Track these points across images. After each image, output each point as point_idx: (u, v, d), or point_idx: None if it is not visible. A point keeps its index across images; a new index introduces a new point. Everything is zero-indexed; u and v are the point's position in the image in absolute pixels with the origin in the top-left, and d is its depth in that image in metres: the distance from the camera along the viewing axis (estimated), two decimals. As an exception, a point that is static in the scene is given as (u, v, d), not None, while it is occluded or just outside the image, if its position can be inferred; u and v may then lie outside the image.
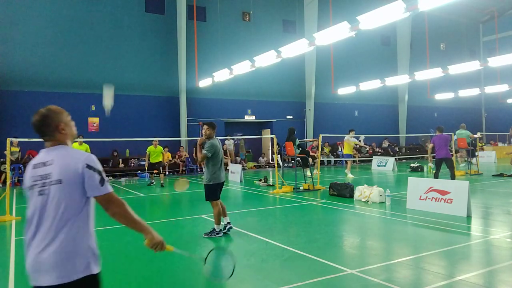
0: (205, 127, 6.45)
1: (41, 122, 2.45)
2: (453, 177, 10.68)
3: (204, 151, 6.28)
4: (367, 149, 21.70)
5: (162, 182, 14.00)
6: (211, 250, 2.88)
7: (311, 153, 15.07)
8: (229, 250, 2.83)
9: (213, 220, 6.51)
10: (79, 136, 12.88)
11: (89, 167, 2.23)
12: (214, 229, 6.36)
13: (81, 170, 2.20)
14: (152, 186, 13.81)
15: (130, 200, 11.15)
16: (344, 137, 16.07)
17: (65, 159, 2.24)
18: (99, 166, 2.28)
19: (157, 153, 14.07)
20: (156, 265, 5.00)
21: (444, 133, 11.16)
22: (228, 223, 6.49)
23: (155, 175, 14.28)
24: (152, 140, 14.09)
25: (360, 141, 17.63)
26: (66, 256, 2.10)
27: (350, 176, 15.25)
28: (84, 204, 2.22)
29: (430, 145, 11.68)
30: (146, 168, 14.70)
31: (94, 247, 2.24)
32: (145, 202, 10.90)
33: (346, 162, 16.83)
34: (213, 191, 6.33)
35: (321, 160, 16.12)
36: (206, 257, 2.83)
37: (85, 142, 16.92)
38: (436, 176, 10.67)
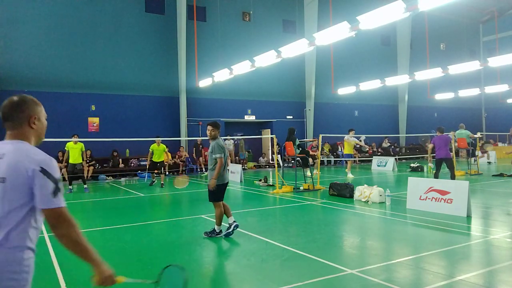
0: (209, 127, 6.21)
1: (14, 105, 2.01)
2: (453, 177, 10.69)
3: (217, 155, 6.03)
4: (367, 149, 21.72)
5: (162, 182, 13.99)
6: (162, 270, 2.53)
7: (311, 153, 15.10)
8: (180, 265, 2.46)
9: (214, 220, 6.44)
10: (74, 136, 12.78)
11: (43, 171, 1.87)
12: (215, 229, 6.27)
13: (32, 173, 1.85)
14: (153, 186, 13.79)
15: (130, 200, 11.16)
16: (344, 137, 16.10)
17: (18, 156, 1.88)
18: (56, 174, 1.92)
19: (160, 151, 13.98)
20: (156, 265, 5.00)
21: (444, 134, 11.16)
22: (234, 221, 6.32)
23: (156, 175, 14.24)
24: (155, 139, 14.01)
25: (360, 141, 17.64)
26: None
27: (350, 176, 15.26)
28: (24, 214, 1.87)
29: (430, 146, 11.68)
30: (148, 167, 14.64)
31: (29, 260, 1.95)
32: (145, 202, 10.90)
33: (346, 162, 16.85)
34: (219, 192, 6.18)
35: (321, 160, 16.12)
36: (158, 279, 2.51)
37: (85, 142, 16.94)
38: (436, 176, 10.67)
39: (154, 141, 14.14)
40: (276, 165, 12.30)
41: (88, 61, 18.18)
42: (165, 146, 14.42)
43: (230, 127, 22.31)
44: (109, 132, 17.78)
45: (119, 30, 18.91)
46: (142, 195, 12.05)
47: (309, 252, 5.27)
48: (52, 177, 1.89)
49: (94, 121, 18.25)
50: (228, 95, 21.48)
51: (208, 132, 6.23)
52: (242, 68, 15.45)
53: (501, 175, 14.53)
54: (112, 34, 18.74)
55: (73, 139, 12.68)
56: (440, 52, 29.76)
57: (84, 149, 13.01)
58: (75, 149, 12.67)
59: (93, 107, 18.30)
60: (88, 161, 17.14)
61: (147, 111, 19.50)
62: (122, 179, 16.95)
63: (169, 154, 18.33)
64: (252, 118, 22.34)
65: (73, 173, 12.86)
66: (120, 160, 18.11)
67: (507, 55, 14.98)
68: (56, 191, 1.89)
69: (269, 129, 22.80)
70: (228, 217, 6.36)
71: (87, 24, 18.16)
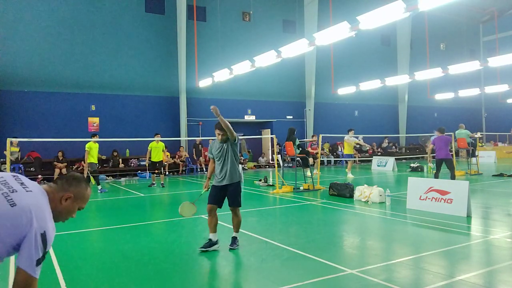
0: (217, 131, 5.55)
1: (76, 178, 2.19)
2: (453, 177, 10.69)
3: (244, 152, 5.85)
4: (368, 148, 21.64)
5: (162, 182, 13.97)
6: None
7: (310, 150, 15.11)
8: None
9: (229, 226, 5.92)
10: (94, 136, 13.08)
11: (43, 236, 1.88)
12: (237, 238, 5.67)
13: (35, 227, 1.85)
14: (153, 187, 13.73)
15: (131, 200, 11.16)
16: (344, 137, 16.15)
17: (38, 206, 1.94)
18: (49, 247, 1.94)
19: (158, 149, 13.81)
20: (156, 265, 5.00)
21: (444, 134, 11.17)
22: (217, 241, 5.57)
23: (156, 175, 14.15)
24: (155, 138, 13.87)
25: (359, 140, 17.62)
26: None
27: (350, 176, 15.27)
28: (7, 252, 1.86)
29: (430, 146, 11.68)
30: (147, 167, 14.61)
31: None
32: (145, 202, 10.90)
33: (347, 162, 16.86)
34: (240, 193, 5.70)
35: (321, 160, 16.14)
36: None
37: (85, 142, 16.94)
38: (436, 176, 10.68)
39: (153, 140, 14.05)
40: (276, 165, 12.30)
41: (88, 61, 18.19)
42: (163, 144, 14.31)
43: (230, 127, 22.28)
44: (109, 132, 17.79)
45: (119, 30, 18.91)
46: (142, 195, 12.05)
47: (309, 252, 5.27)
48: (47, 248, 1.91)
49: (94, 121, 18.25)
50: (228, 95, 21.48)
51: (218, 138, 5.57)
52: (242, 68, 15.45)
53: (501, 175, 14.53)
54: (112, 34, 18.74)
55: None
56: (440, 52, 29.76)
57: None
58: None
59: (93, 107, 18.30)
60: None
61: (147, 111, 19.50)
62: (122, 179, 16.95)
63: (167, 153, 18.32)
64: (252, 118, 22.34)
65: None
66: (120, 160, 18.11)
67: (507, 55, 14.97)
68: (40, 261, 1.89)
69: (269, 129, 22.81)
70: (214, 232, 5.58)
71: (87, 24, 18.16)
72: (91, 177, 12.79)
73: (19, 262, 1.84)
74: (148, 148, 13.90)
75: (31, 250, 1.81)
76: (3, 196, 1.88)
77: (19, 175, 2.11)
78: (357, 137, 16.67)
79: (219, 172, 5.61)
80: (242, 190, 5.68)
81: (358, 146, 19.43)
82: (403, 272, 4.52)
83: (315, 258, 5.02)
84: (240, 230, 5.71)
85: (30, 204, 1.88)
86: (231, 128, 5.39)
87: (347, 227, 7.19)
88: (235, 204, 5.60)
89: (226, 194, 5.57)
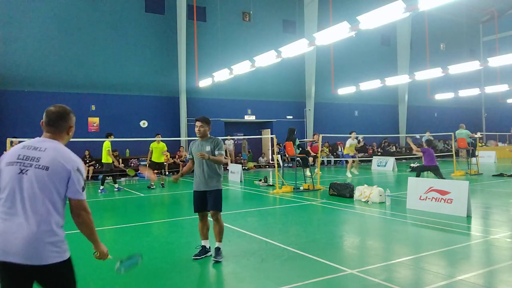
0: (198, 123, 5.12)
1: (60, 115, 2.52)
2: (442, 177, 10.82)
3: (221, 152, 5.07)
4: (361, 145, 21.31)
5: (162, 182, 13.94)
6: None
7: (310, 149, 15.15)
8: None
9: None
10: (109, 135, 12.97)
11: (79, 171, 2.40)
12: (220, 248, 5.13)
13: (70, 169, 2.35)
14: (152, 188, 13.54)
15: (130, 200, 11.16)
16: (344, 137, 16.29)
17: (60, 153, 2.38)
18: (84, 176, 2.50)
19: (159, 149, 13.65)
20: (156, 265, 5.00)
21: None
22: (210, 247, 5.28)
23: (157, 175, 14.04)
24: (155, 138, 13.74)
25: (359, 141, 17.60)
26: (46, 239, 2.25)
27: (349, 175, 15.30)
28: (59, 196, 2.34)
29: (417, 150, 11.82)
30: (147, 167, 14.53)
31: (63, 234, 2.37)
32: (145, 202, 10.90)
33: (347, 162, 16.91)
34: (221, 198, 5.20)
35: (321, 160, 16.16)
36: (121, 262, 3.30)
37: (85, 142, 16.94)
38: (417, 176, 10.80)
39: (154, 141, 14.01)
40: (276, 165, 12.30)
41: (88, 61, 18.19)
42: (164, 145, 14.18)
43: (230, 127, 22.31)
44: (109, 131, 17.77)
45: (119, 30, 18.91)
46: (142, 195, 12.05)
47: (309, 252, 5.27)
48: (83, 177, 2.46)
49: (94, 121, 18.25)
50: (228, 95, 21.48)
51: (196, 130, 5.15)
52: (242, 68, 15.45)
53: (501, 175, 14.53)
54: (112, 34, 18.74)
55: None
56: (440, 52, 29.76)
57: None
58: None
59: (93, 107, 18.31)
60: (88, 161, 17.15)
61: (147, 111, 19.50)
62: (122, 179, 16.94)
63: (167, 153, 18.30)
64: (252, 118, 22.34)
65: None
66: (120, 160, 18.09)
67: (507, 55, 14.97)
68: (83, 187, 2.44)
69: (269, 129, 22.81)
70: (206, 239, 5.30)
71: (87, 24, 18.16)
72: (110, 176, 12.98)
73: (70, 195, 2.36)
74: (150, 148, 13.81)
75: (75, 185, 2.36)
76: (36, 168, 2.29)
77: (25, 143, 2.46)
78: (357, 138, 16.74)
79: (196, 176, 5.28)
80: (221, 194, 5.22)
81: (359, 147, 19.50)
82: (403, 272, 4.52)
83: (315, 258, 5.02)
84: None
85: (55, 157, 2.33)
86: (218, 159, 5.06)
87: (347, 227, 7.19)
88: (214, 207, 5.08)
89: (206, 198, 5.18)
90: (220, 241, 5.14)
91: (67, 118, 2.53)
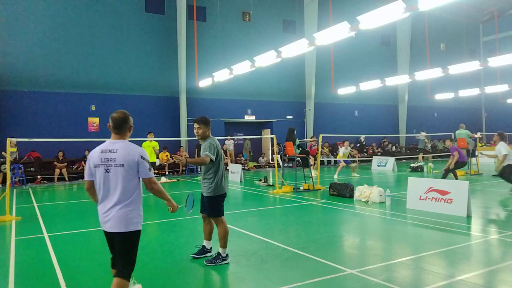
0: (195, 125, 4.93)
1: (122, 119, 3.42)
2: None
3: (206, 153, 4.70)
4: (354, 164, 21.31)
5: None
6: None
7: (310, 150, 15.23)
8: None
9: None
10: (149, 134, 13.15)
11: (142, 158, 3.31)
12: (220, 253, 4.96)
13: (137, 159, 3.27)
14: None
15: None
16: (345, 137, 16.46)
17: (128, 150, 3.29)
18: (148, 158, 3.38)
19: (150, 148, 12.93)
20: (156, 265, 5.00)
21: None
22: (211, 248, 5.23)
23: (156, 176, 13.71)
24: (148, 134, 13.11)
25: (361, 140, 17.76)
26: (127, 213, 3.26)
27: (336, 177, 15.05)
28: (136, 181, 3.31)
29: (456, 156, 11.68)
30: None
31: (141, 210, 3.41)
32: (145, 202, 10.88)
33: (350, 163, 17.17)
34: (220, 204, 4.93)
35: (321, 160, 16.17)
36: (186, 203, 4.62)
37: (87, 142, 16.94)
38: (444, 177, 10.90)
39: (158, 141, 13.46)
40: (276, 165, 12.29)
41: (88, 61, 18.19)
42: (156, 143, 13.36)
43: (230, 127, 22.31)
44: (109, 132, 17.62)
45: (119, 30, 18.91)
46: (142, 195, 12.02)
47: (309, 252, 5.27)
48: (147, 160, 3.34)
49: (94, 121, 18.25)
50: (228, 95, 21.48)
51: (195, 131, 4.96)
52: (242, 68, 15.44)
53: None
54: (112, 34, 18.74)
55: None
56: (440, 52, 29.76)
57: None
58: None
59: (93, 107, 18.30)
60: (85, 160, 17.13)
61: (147, 111, 19.50)
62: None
63: (167, 153, 18.32)
64: (252, 118, 22.34)
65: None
66: (155, 160, 17.97)
67: (507, 55, 14.96)
68: (150, 168, 3.35)
69: (269, 129, 22.81)
70: (209, 240, 5.25)
71: (87, 24, 18.16)
72: None
73: (142, 176, 3.32)
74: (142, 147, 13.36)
75: (143, 168, 3.30)
76: (115, 166, 3.24)
77: (102, 147, 3.34)
78: (358, 137, 16.89)
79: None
80: (217, 200, 4.94)
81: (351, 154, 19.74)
82: (403, 272, 4.52)
83: (315, 258, 5.02)
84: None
85: (124, 155, 3.25)
86: (200, 160, 4.77)
87: (347, 227, 7.19)
88: (210, 214, 4.93)
89: None
90: (222, 246, 4.93)
91: (128, 121, 3.45)
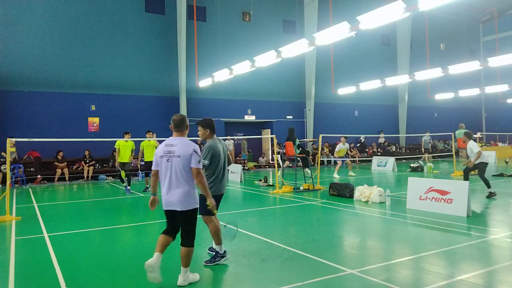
0: (198, 127, 5.06)
1: (181, 121, 4.32)
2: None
3: (198, 166, 4.21)
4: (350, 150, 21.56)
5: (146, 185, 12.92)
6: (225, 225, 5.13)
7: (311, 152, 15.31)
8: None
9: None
10: (126, 134, 12.57)
11: (195, 151, 4.16)
12: (217, 251, 4.95)
13: (191, 152, 4.13)
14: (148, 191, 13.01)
15: (130, 200, 11.16)
16: (341, 137, 16.59)
17: (184, 145, 4.17)
18: (199, 152, 4.22)
19: (151, 147, 12.64)
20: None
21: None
22: (218, 252, 5.01)
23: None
24: (146, 133, 12.79)
25: (361, 140, 17.76)
26: (185, 194, 4.14)
27: (336, 176, 15.27)
28: (189, 170, 4.15)
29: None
30: (139, 168, 14.03)
31: (197, 192, 4.25)
32: (145, 202, 10.89)
33: (335, 163, 17.22)
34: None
35: (321, 160, 16.16)
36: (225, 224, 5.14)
37: (87, 142, 16.93)
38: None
39: (157, 141, 13.39)
40: (276, 165, 12.29)
41: (88, 61, 18.18)
42: (155, 142, 12.91)
43: (230, 127, 22.31)
44: (109, 132, 17.77)
45: (119, 30, 18.91)
46: (142, 195, 12.04)
47: (309, 252, 5.27)
48: (198, 154, 4.18)
49: (94, 121, 18.25)
50: (228, 95, 21.48)
51: (198, 133, 5.12)
52: (242, 68, 15.44)
53: (501, 175, 14.52)
54: (112, 34, 18.74)
55: (125, 137, 12.44)
56: (440, 52, 29.76)
57: (134, 148, 12.79)
58: (126, 147, 12.46)
59: (93, 107, 18.30)
60: (88, 161, 17.15)
61: (147, 111, 19.50)
62: (122, 179, 16.93)
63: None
64: (252, 118, 22.33)
65: (124, 171, 12.48)
66: (129, 161, 18.01)
67: (507, 55, 14.95)
68: (199, 161, 4.18)
69: (269, 129, 22.81)
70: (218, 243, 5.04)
71: (87, 24, 18.16)
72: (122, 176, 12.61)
73: (192, 165, 4.12)
74: (140, 148, 12.81)
75: (194, 160, 4.13)
76: (174, 157, 4.13)
77: (166, 142, 4.26)
78: (358, 137, 16.93)
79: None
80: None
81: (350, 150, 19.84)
82: (403, 272, 4.52)
83: (315, 258, 5.02)
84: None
85: (181, 148, 4.14)
86: (203, 185, 4.30)
87: (347, 227, 7.18)
88: (200, 212, 4.70)
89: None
90: (217, 243, 4.97)
91: (184, 122, 4.33)
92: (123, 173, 12.83)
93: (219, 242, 4.94)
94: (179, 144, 4.16)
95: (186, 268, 4.21)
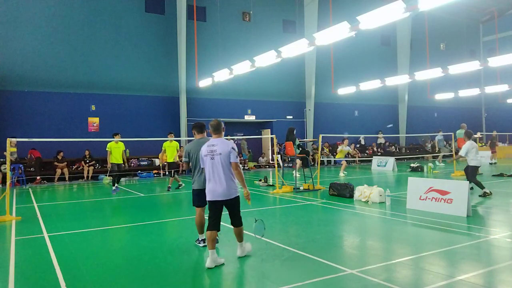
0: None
1: (218, 124, 5.11)
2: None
3: (244, 153, 6.15)
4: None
5: (180, 183, 13.14)
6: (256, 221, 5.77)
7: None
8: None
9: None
10: (115, 135, 12.59)
11: (233, 149, 4.90)
12: (198, 238, 5.89)
13: (230, 150, 4.87)
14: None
15: (130, 200, 11.16)
16: (345, 137, 16.69)
17: (224, 144, 4.93)
18: (236, 149, 4.96)
19: (171, 148, 12.83)
20: (156, 265, 5.00)
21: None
22: (203, 240, 5.81)
23: (169, 175, 13.36)
24: (114, 135, 12.79)
25: (360, 140, 17.79)
26: (228, 186, 4.90)
27: (342, 175, 15.72)
28: (229, 164, 4.90)
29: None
30: (165, 167, 14.10)
31: (236, 183, 5.02)
32: (145, 202, 10.90)
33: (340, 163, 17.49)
34: (193, 196, 5.82)
35: (321, 160, 16.17)
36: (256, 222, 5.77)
37: (87, 142, 16.93)
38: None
39: (158, 141, 13.44)
40: (276, 165, 12.29)
41: (88, 61, 18.19)
42: (177, 143, 13.24)
43: (230, 127, 22.30)
44: (109, 132, 17.74)
45: (119, 30, 18.91)
46: (142, 195, 12.05)
47: (309, 252, 5.27)
48: (235, 151, 4.92)
49: (94, 121, 18.25)
50: (228, 95, 21.48)
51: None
52: (242, 68, 15.44)
53: (501, 175, 14.53)
54: (112, 34, 18.74)
55: (115, 138, 12.48)
56: (440, 52, 29.75)
57: (124, 148, 12.86)
58: (117, 149, 12.52)
59: (93, 107, 18.30)
60: (88, 161, 17.15)
61: (147, 111, 19.50)
62: (122, 179, 16.93)
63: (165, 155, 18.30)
64: (252, 118, 22.33)
65: (118, 172, 12.59)
66: (122, 161, 18.06)
67: (507, 55, 14.95)
68: (237, 156, 4.91)
69: (269, 129, 22.80)
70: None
71: (87, 24, 18.17)
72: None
73: (231, 160, 4.86)
74: (162, 148, 13.05)
75: (232, 155, 4.86)
76: (216, 155, 4.88)
77: (208, 142, 5.07)
78: (358, 138, 17.05)
79: None
80: (192, 194, 5.92)
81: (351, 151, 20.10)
82: (403, 272, 4.52)
83: (315, 258, 5.02)
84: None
85: (221, 147, 4.88)
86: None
87: (347, 227, 7.19)
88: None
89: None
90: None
91: (220, 125, 5.14)
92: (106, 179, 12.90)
93: (198, 232, 5.87)
94: (219, 144, 4.92)
95: (241, 242, 5.17)
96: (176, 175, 12.96)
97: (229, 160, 4.85)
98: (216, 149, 4.87)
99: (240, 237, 5.17)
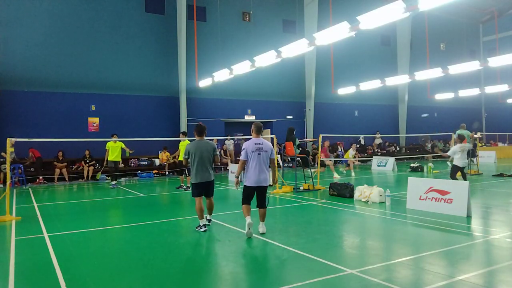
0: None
1: (260, 127, 6.50)
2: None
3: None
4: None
5: (183, 185, 13.06)
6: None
7: (322, 153, 15.80)
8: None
9: (216, 220, 7.35)
10: (113, 135, 13.60)
11: (272, 148, 6.38)
12: (199, 224, 6.92)
13: (271, 148, 6.39)
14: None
15: (131, 200, 11.16)
16: (345, 137, 16.89)
17: (267, 144, 6.35)
18: (274, 148, 6.58)
19: (117, 148, 13.67)
20: (156, 265, 5.01)
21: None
22: (209, 220, 7.20)
23: (178, 174, 14.06)
24: (112, 136, 13.60)
25: (360, 140, 17.83)
26: (267, 176, 6.38)
27: (353, 174, 16.28)
28: (269, 160, 6.37)
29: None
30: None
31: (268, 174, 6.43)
32: (145, 202, 10.89)
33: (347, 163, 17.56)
34: (192, 189, 6.98)
35: (321, 160, 16.19)
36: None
37: (85, 142, 16.93)
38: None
39: (158, 141, 13.97)
40: (276, 165, 12.26)
41: (88, 61, 18.18)
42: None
43: (230, 127, 22.30)
44: (109, 132, 17.74)
45: (119, 30, 18.91)
46: (142, 195, 12.05)
47: (309, 252, 5.27)
48: (273, 150, 6.53)
49: (94, 121, 18.25)
50: (228, 95, 21.47)
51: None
52: (242, 68, 15.43)
53: (501, 175, 14.53)
54: (112, 34, 18.73)
55: (113, 138, 13.40)
56: (440, 52, 29.75)
57: (123, 146, 13.94)
58: (115, 148, 13.63)
59: (93, 107, 18.30)
60: (88, 161, 17.15)
61: (147, 111, 19.50)
62: (122, 179, 16.94)
63: (167, 153, 18.36)
64: (252, 118, 22.33)
65: (115, 170, 13.85)
66: (120, 160, 18.07)
67: (507, 55, 14.94)
68: (275, 154, 6.66)
69: (269, 129, 22.79)
70: (206, 214, 7.12)
71: (87, 24, 18.16)
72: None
73: (272, 157, 6.44)
74: (180, 147, 13.06)
75: (272, 153, 6.45)
76: (262, 152, 6.30)
77: (255, 141, 6.35)
78: (358, 138, 17.24)
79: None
80: (192, 187, 7.07)
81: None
82: (403, 272, 4.52)
83: (315, 258, 5.02)
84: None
85: (266, 145, 6.36)
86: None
87: (347, 227, 7.19)
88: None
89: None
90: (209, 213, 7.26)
91: (262, 128, 6.47)
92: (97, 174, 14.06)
93: (199, 217, 6.87)
94: (264, 143, 6.31)
95: (263, 222, 6.46)
96: (184, 175, 12.89)
97: (270, 156, 6.33)
98: (263, 147, 6.23)
99: (263, 217, 6.46)
